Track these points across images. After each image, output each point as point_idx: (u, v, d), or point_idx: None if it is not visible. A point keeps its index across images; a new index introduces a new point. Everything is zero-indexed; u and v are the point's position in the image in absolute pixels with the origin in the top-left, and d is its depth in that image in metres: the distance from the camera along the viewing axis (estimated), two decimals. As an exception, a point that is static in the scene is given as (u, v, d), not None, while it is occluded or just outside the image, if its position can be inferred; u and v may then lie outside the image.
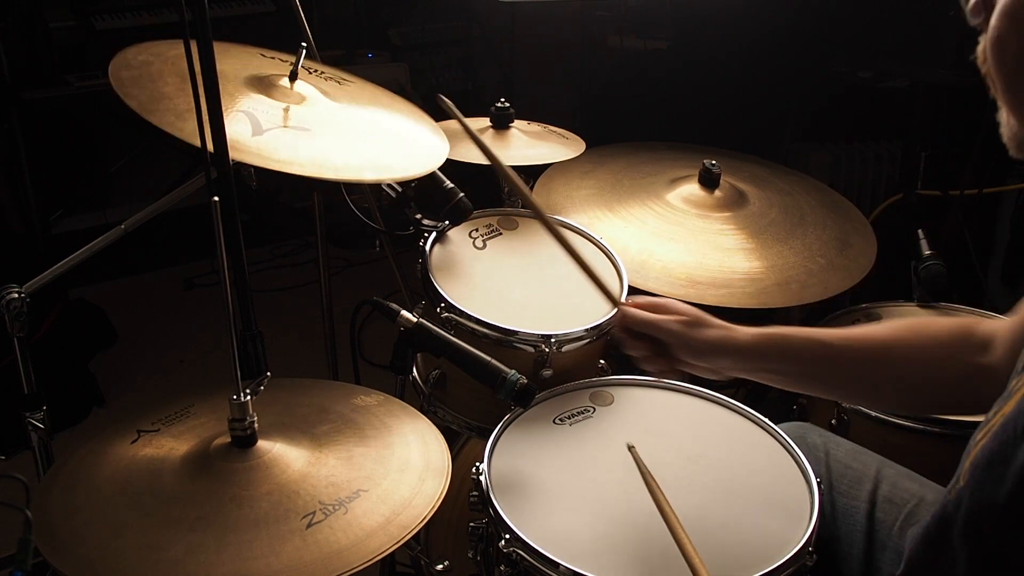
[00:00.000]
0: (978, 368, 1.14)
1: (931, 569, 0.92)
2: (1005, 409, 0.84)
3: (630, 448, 1.30)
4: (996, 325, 1.17)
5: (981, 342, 1.16)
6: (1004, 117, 0.84)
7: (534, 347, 1.46)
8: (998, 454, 0.81)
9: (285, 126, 1.42)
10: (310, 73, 1.65)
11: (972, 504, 0.83)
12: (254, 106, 1.43)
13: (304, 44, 1.57)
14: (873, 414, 1.53)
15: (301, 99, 1.52)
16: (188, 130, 1.29)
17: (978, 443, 0.86)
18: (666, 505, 1.16)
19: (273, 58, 1.65)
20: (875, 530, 1.29)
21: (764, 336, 1.20)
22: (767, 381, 1.23)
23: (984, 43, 0.83)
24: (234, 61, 1.57)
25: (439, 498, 1.11)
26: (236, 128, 1.35)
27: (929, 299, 1.82)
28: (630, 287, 1.60)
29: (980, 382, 1.14)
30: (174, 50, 1.47)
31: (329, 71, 1.71)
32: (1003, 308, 1.84)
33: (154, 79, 1.39)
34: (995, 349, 1.15)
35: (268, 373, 1.14)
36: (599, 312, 1.54)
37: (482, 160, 1.77)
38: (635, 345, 1.30)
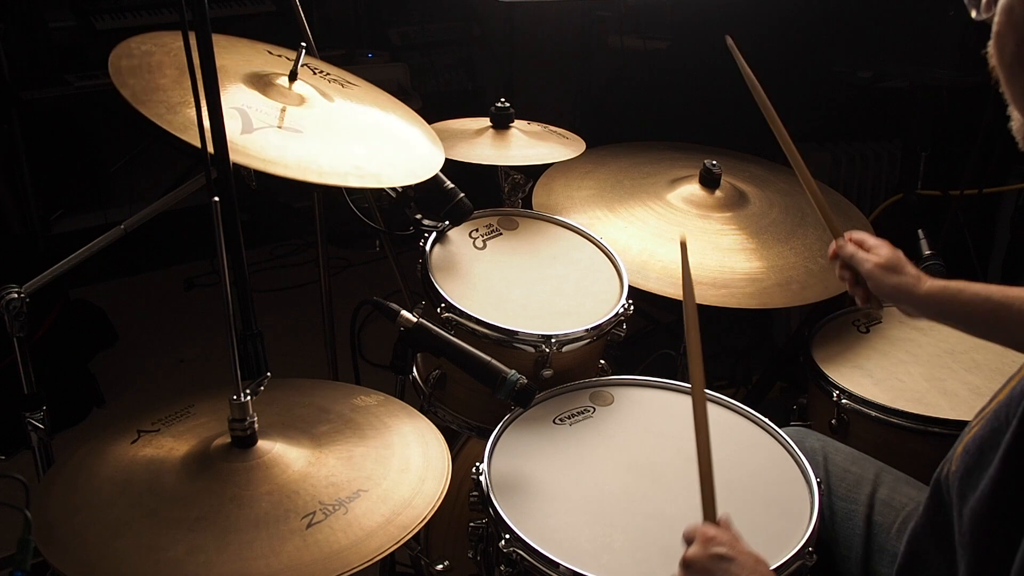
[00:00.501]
0: None
1: (927, 555, 0.93)
2: (1000, 396, 0.85)
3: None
4: None
5: None
6: (1012, 110, 0.86)
7: (534, 347, 1.46)
8: (988, 440, 0.82)
9: (279, 127, 1.42)
10: (315, 74, 1.65)
11: (962, 488, 0.84)
12: (248, 104, 1.42)
13: (304, 44, 1.57)
14: (872, 414, 1.53)
15: (300, 100, 1.51)
16: (177, 123, 1.29)
17: (971, 430, 0.86)
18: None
19: (280, 56, 1.64)
20: (873, 533, 1.29)
21: (941, 290, 1.32)
22: (947, 325, 1.37)
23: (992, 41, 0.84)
24: (238, 56, 1.56)
25: (439, 498, 1.11)
26: (226, 125, 1.34)
27: (929, 299, 1.82)
28: (630, 287, 1.60)
29: None
30: (178, 41, 1.47)
31: (335, 72, 1.71)
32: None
33: (152, 70, 1.39)
34: None
35: (268, 373, 1.14)
36: (599, 312, 1.54)
37: (483, 160, 1.77)
38: (842, 273, 1.44)
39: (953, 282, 1.32)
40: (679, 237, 1.26)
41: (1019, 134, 0.87)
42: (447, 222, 1.67)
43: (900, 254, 1.39)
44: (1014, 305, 1.25)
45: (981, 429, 0.85)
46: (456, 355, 1.38)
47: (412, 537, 1.06)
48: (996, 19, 0.81)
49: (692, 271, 1.69)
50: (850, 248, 1.42)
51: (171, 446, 1.17)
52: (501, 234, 1.70)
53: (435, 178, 1.63)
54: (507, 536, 1.18)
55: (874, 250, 1.40)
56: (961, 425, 1.44)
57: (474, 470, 1.28)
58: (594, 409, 1.44)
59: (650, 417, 1.43)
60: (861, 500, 1.32)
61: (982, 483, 0.83)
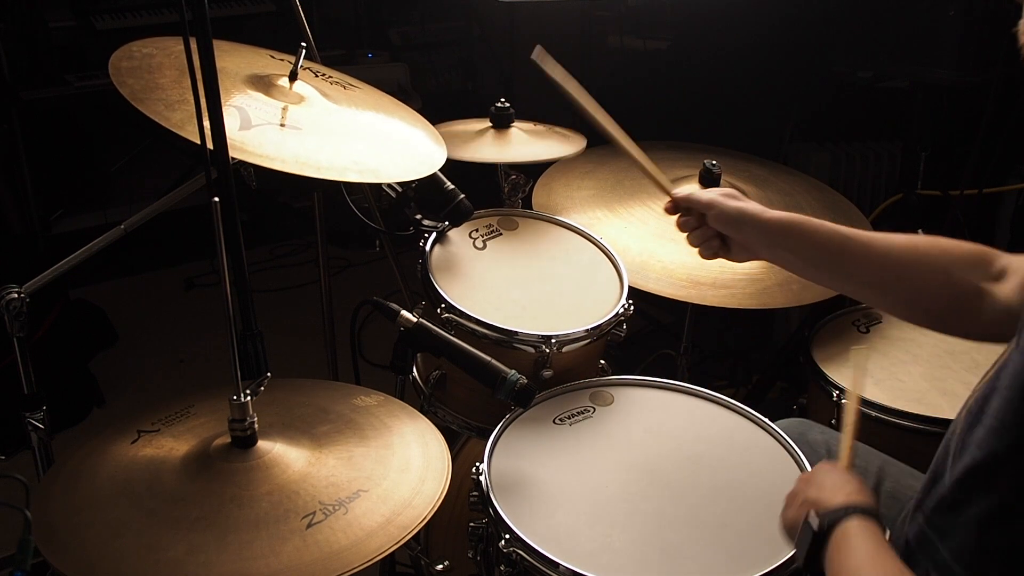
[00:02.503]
0: (986, 292, 1.16)
1: (949, 522, 0.94)
2: (1000, 359, 0.85)
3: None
4: (1014, 259, 1.18)
5: (997, 271, 1.18)
6: None
7: (534, 347, 1.46)
8: (987, 395, 0.82)
9: (281, 124, 1.42)
10: (316, 76, 1.66)
11: (960, 442, 0.85)
12: (247, 102, 1.43)
13: (304, 44, 1.57)
14: (872, 414, 1.53)
15: (300, 99, 1.52)
16: (175, 120, 1.29)
17: (973, 393, 0.87)
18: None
19: (282, 60, 1.65)
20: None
21: (788, 217, 1.27)
22: (784, 264, 1.30)
23: None
24: (239, 59, 1.57)
25: (439, 499, 1.11)
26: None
27: (929, 299, 1.82)
28: (630, 288, 1.60)
29: (984, 306, 1.15)
30: (179, 45, 1.48)
31: (336, 75, 1.71)
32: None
33: (152, 71, 1.40)
34: (1008, 281, 1.16)
35: (268, 373, 1.14)
36: (599, 312, 1.54)
37: (482, 160, 1.77)
38: (683, 220, 1.36)
39: (798, 215, 1.28)
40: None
41: None
42: (447, 222, 1.67)
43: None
44: (858, 240, 1.22)
45: (983, 389, 0.85)
46: (456, 355, 1.38)
47: (412, 537, 1.06)
48: None
49: (693, 271, 1.70)
50: (685, 190, 1.37)
51: (171, 446, 1.17)
52: (501, 234, 1.70)
53: (435, 178, 1.63)
54: (507, 536, 1.18)
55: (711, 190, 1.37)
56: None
57: (474, 470, 1.28)
58: (594, 409, 1.44)
59: (650, 417, 1.43)
60: None
61: (978, 434, 0.84)
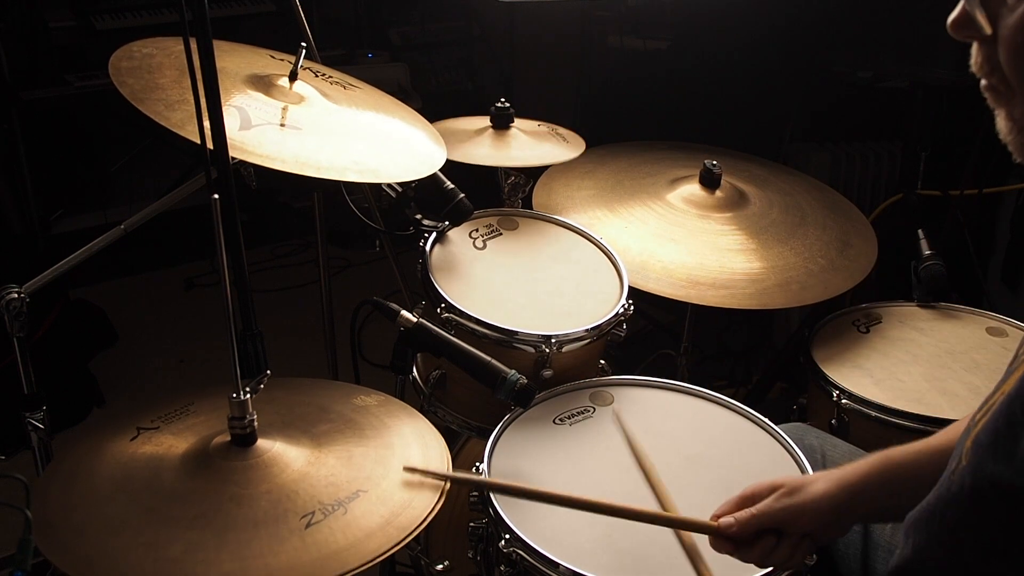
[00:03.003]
0: None
1: (935, 553, 0.91)
2: (1005, 387, 0.84)
3: (616, 414, 1.30)
4: None
5: None
6: (1009, 124, 0.82)
7: (534, 347, 1.46)
8: (1004, 433, 0.80)
9: (281, 124, 1.42)
10: (316, 76, 1.66)
11: (977, 483, 0.83)
12: (247, 102, 1.43)
13: (304, 44, 1.57)
14: (872, 414, 1.53)
15: (300, 99, 1.52)
16: (175, 119, 1.30)
17: (978, 422, 0.85)
18: (653, 473, 1.17)
19: (282, 60, 1.65)
20: (871, 530, 1.29)
21: (870, 463, 1.08)
22: (890, 518, 1.11)
23: (979, 53, 0.81)
24: (239, 59, 1.57)
25: (439, 499, 1.11)
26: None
27: (929, 299, 1.82)
28: (630, 287, 1.60)
29: None
30: (179, 45, 1.48)
31: (336, 75, 1.72)
32: (1003, 308, 1.85)
33: (152, 71, 1.40)
34: None
35: (268, 371, 1.14)
36: (599, 312, 1.54)
37: (483, 161, 1.78)
38: (754, 551, 1.08)
39: (874, 453, 1.08)
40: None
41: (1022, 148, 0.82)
42: (447, 222, 1.67)
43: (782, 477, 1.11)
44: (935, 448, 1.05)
45: (992, 421, 0.83)
46: (456, 355, 1.38)
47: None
48: (1010, 35, 0.76)
49: (693, 272, 1.70)
50: (743, 517, 1.07)
51: (171, 443, 1.17)
52: (501, 234, 1.70)
53: (435, 178, 1.63)
54: (507, 536, 1.18)
55: (758, 494, 1.09)
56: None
57: (474, 470, 1.28)
58: (594, 409, 1.44)
59: (650, 417, 1.43)
60: None
61: (1005, 476, 0.79)
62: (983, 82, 0.82)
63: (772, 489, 1.09)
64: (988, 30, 0.78)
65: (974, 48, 0.82)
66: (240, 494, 1.07)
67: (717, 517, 1.09)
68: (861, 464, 1.08)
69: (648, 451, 1.32)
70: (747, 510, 1.08)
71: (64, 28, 3.32)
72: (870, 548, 1.28)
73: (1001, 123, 0.82)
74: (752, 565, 1.12)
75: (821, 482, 1.08)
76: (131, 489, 1.08)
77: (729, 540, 1.08)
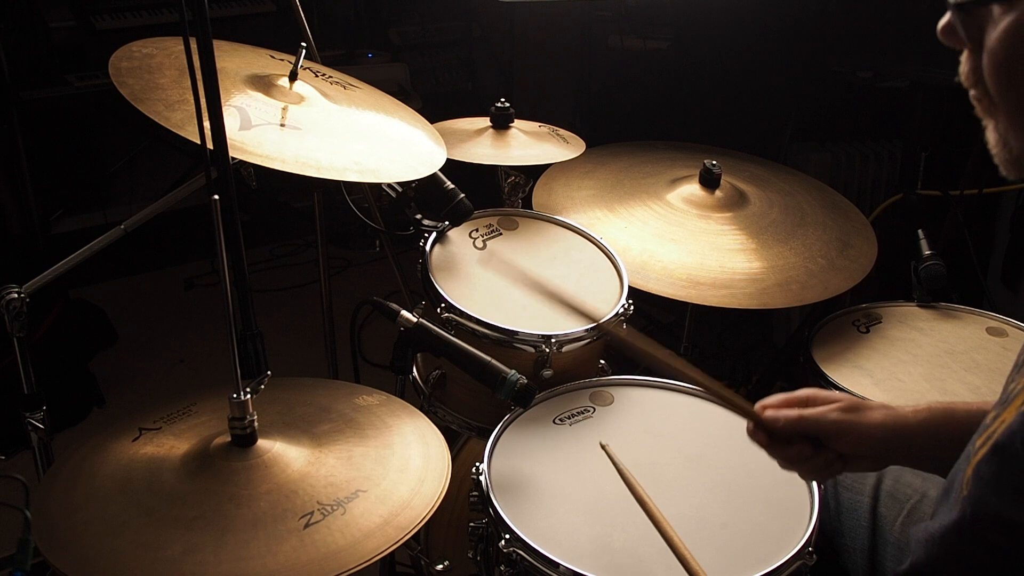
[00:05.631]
0: None
1: (933, 573, 0.91)
2: (1006, 415, 0.82)
3: (603, 447, 1.28)
4: None
5: None
6: (995, 137, 0.79)
7: (534, 347, 1.46)
8: (1007, 468, 0.78)
9: (281, 124, 1.42)
10: (316, 76, 1.66)
11: (977, 515, 0.82)
12: (247, 102, 1.43)
13: (304, 44, 1.57)
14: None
15: (300, 99, 1.52)
16: (175, 120, 1.30)
17: (979, 450, 0.84)
18: (650, 504, 1.15)
19: (282, 60, 1.65)
20: (878, 525, 1.29)
21: (931, 410, 1.06)
22: (933, 468, 1.08)
23: (966, 63, 0.78)
24: (239, 59, 1.57)
25: (438, 500, 1.11)
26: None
27: (929, 299, 1.82)
28: (630, 287, 1.60)
29: None
30: (179, 45, 1.48)
31: (336, 75, 1.72)
32: (1003, 308, 1.85)
33: (152, 71, 1.40)
34: None
35: (268, 372, 1.14)
36: (599, 312, 1.54)
37: (483, 160, 1.77)
38: (788, 451, 1.08)
39: (936, 401, 1.08)
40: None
41: (1009, 163, 0.79)
42: (447, 222, 1.67)
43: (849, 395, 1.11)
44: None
45: (994, 453, 0.81)
46: (456, 355, 1.38)
47: (412, 537, 1.06)
48: (994, 47, 0.73)
49: (693, 272, 1.70)
50: (789, 415, 1.07)
51: (172, 444, 1.17)
52: (501, 234, 1.70)
53: (435, 178, 1.63)
54: (507, 536, 1.18)
55: (819, 400, 1.08)
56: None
57: (474, 470, 1.28)
58: (594, 409, 1.44)
59: (650, 417, 1.43)
60: (866, 491, 1.31)
61: (1012, 514, 0.78)
62: (971, 92, 0.80)
63: (829, 400, 1.08)
64: (967, 44, 0.76)
65: (963, 56, 0.79)
66: (239, 494, 1.07)
67: (764, 407, 1.08)
68: (922, 410, 1.06)
69: (651, 452, 1.32)
70: (797, 411, 1.07)
71: (64, 28, 3.32)
72: (878, 544, 1.28)
73: (989, 135, 0.80)
74: (751, 565, 1.12)
75: (879, 412, 1.06)
76: (131, 490, 1.09)
77: (767, 433, 1.07)
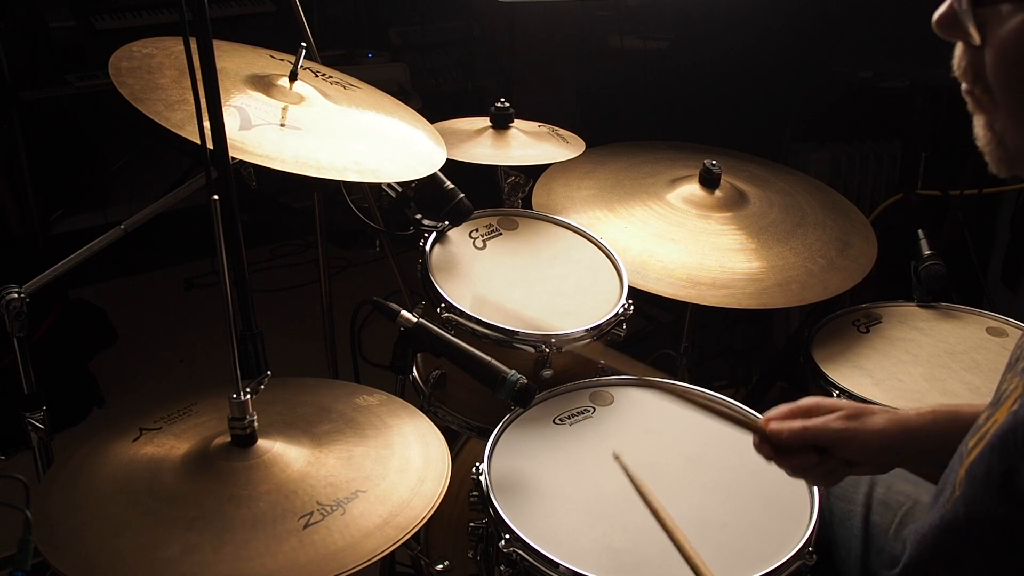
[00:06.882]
0: None
1: (926, 573, 0.91)
2: (998, 415, 0.82)
3: (616, 457, 1.27)
4: None
5: None
6: (988, 133, 0.78)
7: (534, 347, 1.46)
8: (998, 467, 0.78)
9: (281, 124, 1.42)
10: (316, 76, 1.66)
11: (970, 515, 0.82)
12: (247, 102, 1.43)
13: (304, 44, 1.57)
14: (873, 414, 1.52)
15: (300, 99, 1.52)
16: (175, 120, 1.30)
17: (971, 451, 0.84)
18: (662, 511, 1.15)
19: (282, 60, 1.65)
20: (871, 534, 1.29)
21: (935, 413, 1.07)
22: (941, 471, 1.03)
23: (963, 58, 0.77)
24: (239, 60, 1.57)
25: (437, 500, 1.11)
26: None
27: (929, 299, 1.82)
28: (630, 287, 1.60)
29: None
30: (179, 45, 1.48)
31: (337, 75, 1.72)
32: (1003, 308, 1.85)
33: (152, 71, 1.40)
34: None
35: (268, 372, 1.14)
36: (599, 312, 1.54)
37: (483, 160, 1.78)
38: (793, 461, 1.09)
39: (938, 404, 1.08)
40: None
41: (1001, 161, 0.78)
42: (447, 222, 1.67)
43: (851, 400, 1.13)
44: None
45: (987, 452, 0.80)
46: (456, 355, 1.38)
47: (412, 537, 1.06)
48: (1001, 44, 0.72)
49: (693, 272, 1.70)
50: (792, 426, 1.07)
51: (172, 444, 1.17)
52: (501, 234, 1.70)
53: (435, 178, 1.63)
54: (507, 536, 1.18)
55: (822, 408, 1.09)
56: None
57: (474, 470, 1.28)
58: (594, 409, 1.44)
59: (650, 417, 1.43)
60: (858, 500, 1.31)
61: (1004, 512, 0.78)
62: (964, 86, 0.79)
63: (832, 408, 1.08)
64: (977, 40, 0.74)
65: (958, 50, 0.78)
66: (239, 495, 1.07)
67: (768, 420, 1.09)
68: (926, 413, 1.07)
69: (651, 452, 1.32)
70: (801, 422, 1.08)
71: (64, 28, 3.32)
72: (871, 553, 1.28)
73: (979, 130, 0.79)
74: (752, 565, 1.12)
75: (881, 417, 1.07)
76: (131, 490, 1.09)
77: (773, 446, 1.08)
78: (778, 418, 1.10)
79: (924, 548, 0.91)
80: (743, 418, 1.13)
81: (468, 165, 1.74)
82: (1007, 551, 0.80)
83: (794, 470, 1.09)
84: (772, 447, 1.09)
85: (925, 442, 1.06)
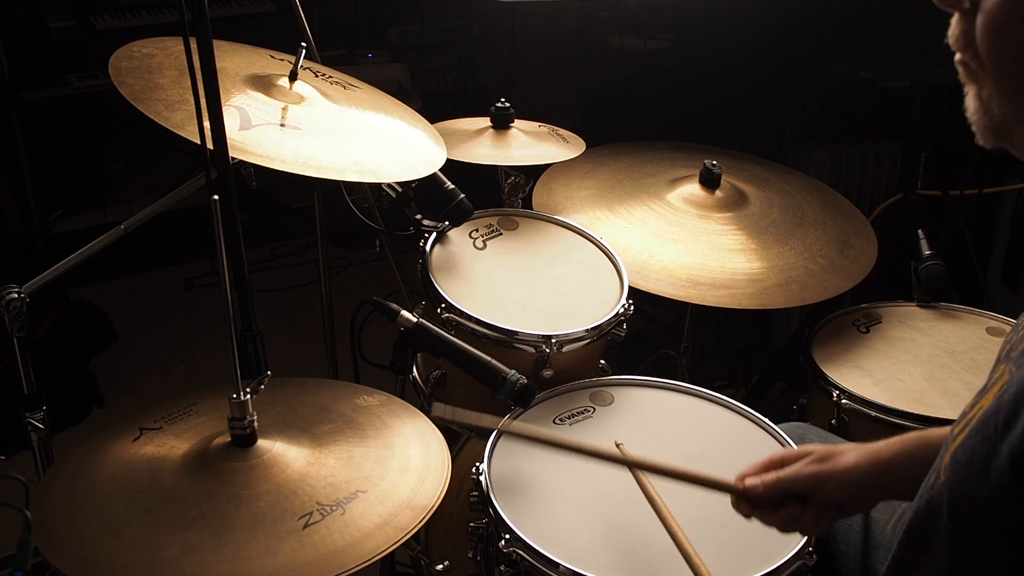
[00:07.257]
0: None
1: (916, 564, 0.91)
2: (983, 402, 0.83)
3: (618, 445, 1.27)
4: None
5: None
6: (977, 104, 0.79)
7: (534, 347, 1.46)
8: (980, 451, 0.79)
9: (281, 124, 1.42)
10: (316, 76, 1.66)
11: (953, 499, 0.83)
12: (247, 102, 1.43)
13: (304, 44, 1.57)
14: (872, 414, 1.53)
15: (300, 99, 1.52)
16: (175, 120, 1.30)
17: (956, 437, 0.85)
18: (661, 504, 1.15)
19: (282, 60, 1.65)
20: (871, 530, 1.29)
21: (903, 441, 1.07)
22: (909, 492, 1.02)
23: (956, 26, 0.79)
24: (239, 59, 1.57)
25: (437, 500, 1.11)
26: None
27: (929, 299, 1.82)
28: (630, 287, 1.60)
29: None
30: (179, 45, 1.48)
31: (336, 75, 1.72)
32: (1003, 308, 1.85)
33: (152, 71, 1.40)
34: None
35: (268, 372, 1.14)
36: (599, 312, 1.54)
37: (483, 160, 1.78)
38: (778, 515, 1.08)
39: (909, 433, 1.07)
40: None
41: (987, 131, 0.78)
42: (447, 222, 1.67)
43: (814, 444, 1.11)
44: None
45: (969, 437, 0.82)
46: (456, 355, 1.38)
47: (412, 537, 1.06)
48: (992, 9, 0.73)
49: (693, 272, 1.70)
50: (768, 480, 1.07)
51: (172, 444, 1.17)
52: (501, 234, 1.70)
53: (435, 178, 1.63)
54: (507, 536, 1.18)
55: (789, 458, 1.09)
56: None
57: (474, 470, 1.28)
58: (594, 409, 1.44)
59: (650, 417, 1.43)
60: None
61: (982, 493, 0.79)
62: (957, 56, 0.80)
63: (801, 455, 1.08)
64: (967, 3, 0.76)
65: (953, 20, 0.79)
66: (239, 495, 1.07)
67: (743, 478, 1.09)
68: (894, 442, 1.07)
69: (651, 452, 1.32)
70: (773, 473, 1.07)
71: (64, 28, 3.32)
72: (870, 548, 1.28)
73: (970, 102, 0.80)
74: (752, 565, 1.12)
75: (852, 454, 1.06)
76: (131, 490, 1.09)
77: (750, 502, 1.07)
78: (751, 474, 1.09)
79: (910, 538, 0.91)
80: (716, 481, 1.11)
81: (468, 165, 1.74)
82: (989, 536, 0.80)
83: (782, 525, 1.08)
84: (750, 504, 1.08)
85: (899, 470, 1.05)
